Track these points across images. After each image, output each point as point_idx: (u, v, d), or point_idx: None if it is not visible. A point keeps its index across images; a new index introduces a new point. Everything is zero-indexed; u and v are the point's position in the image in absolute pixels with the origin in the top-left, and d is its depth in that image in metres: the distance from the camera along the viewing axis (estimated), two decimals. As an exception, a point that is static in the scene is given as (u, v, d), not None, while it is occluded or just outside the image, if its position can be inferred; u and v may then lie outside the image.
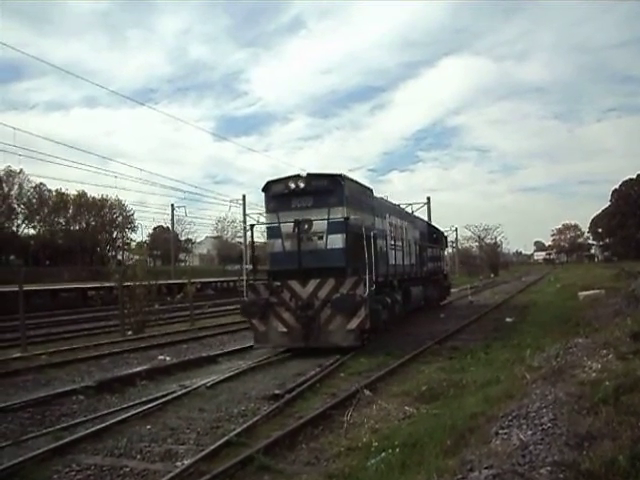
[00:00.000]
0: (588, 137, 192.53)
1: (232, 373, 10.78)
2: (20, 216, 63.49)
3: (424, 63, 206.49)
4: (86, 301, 30.88)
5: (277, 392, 8.83)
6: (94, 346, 15.09)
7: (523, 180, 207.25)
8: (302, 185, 13.05)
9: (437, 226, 30.67)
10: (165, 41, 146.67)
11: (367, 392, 8.67)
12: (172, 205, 54.37)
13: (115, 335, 17.88)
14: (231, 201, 43.25)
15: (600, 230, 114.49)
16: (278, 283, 13.01)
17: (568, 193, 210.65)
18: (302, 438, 6.73)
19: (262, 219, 14.28)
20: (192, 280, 24.47)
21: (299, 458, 6.14)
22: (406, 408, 7.73)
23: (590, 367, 6.96)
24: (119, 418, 7.67)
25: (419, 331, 16.40)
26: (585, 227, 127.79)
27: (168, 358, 12.85)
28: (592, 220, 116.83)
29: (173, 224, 59.66)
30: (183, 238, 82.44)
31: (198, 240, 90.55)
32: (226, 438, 6.51)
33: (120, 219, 73.57)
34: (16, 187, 61.98)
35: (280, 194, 13.37)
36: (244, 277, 14.12)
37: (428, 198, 41.22)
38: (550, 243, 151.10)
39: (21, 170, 58.22)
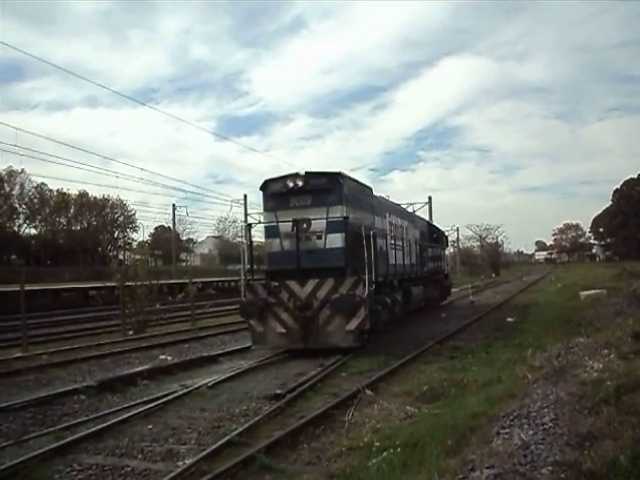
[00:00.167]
0: (589, 137, 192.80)
1: (233, 373, 10.78)
2: (21, 216, 63.53)
3: (425, 63, 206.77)
4: (87, 301, 31.00)
5: (278, 392, 8.82)
6: (95, 346, 15.11)
7: (524, 180, 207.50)
8: (300, 184, 12.89)
9: (438, 226, 30.67)
10: (166, 41, 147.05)
11: (368, 392, 8.67)
12: (173, 205, 54.39)
13: (116, 335, 17.89)
14: (232, 201, 43.28)
15: (601, 230, 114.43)
16: (276, 283, 12.83)
17: (569, 193, 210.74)
18: (303, 438, 6.73)
19: (262, 219, 14.12)
20: (193, 280, 24.49)
21: (300, 458, 6.14)
22: (407, 408, 7.73)
23: (591, 367, 6.95)
24: (120, 418, 7.67)
25: (420, 331, 16.38)
26: (586, 227, 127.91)
27: (169, 358, 12.85)
28: (593, 220, 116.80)
29: (174, 224, 59.68)
30: (184, 238, 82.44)
31: (199, 240, 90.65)
32: (227, 438, 6.51)
33: (121, 219, 73.53)
34: (17, 187, 62.00)
35: (278, 193, 13.21)
36: (242, 277, 13.95)
37: (429, 198, 41.22)
38: (551, 243, 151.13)
39: (22, 170, 58.34)
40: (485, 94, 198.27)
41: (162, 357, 13.00)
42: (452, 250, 68.52)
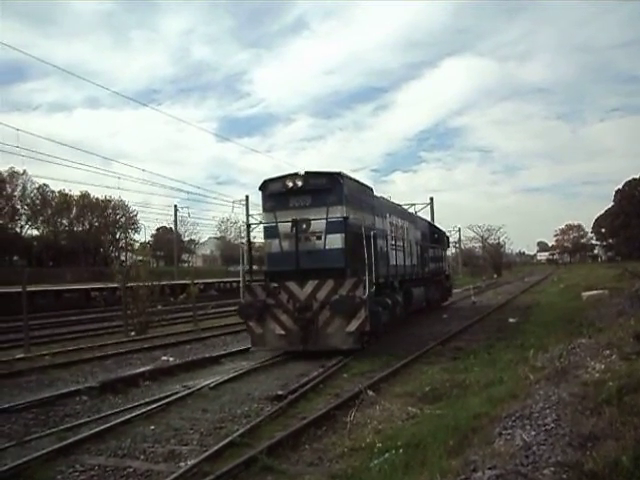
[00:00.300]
0: (591, 137, 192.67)
1: (235, 374, 10.78)
2: (23, 217, 63.62)
3: (427, 64, 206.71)
4: (89, 302, 30.99)
5: (280, 393, 8.81)
6: (97, 347, 15.13)
7: (526, 181, 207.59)
8: (300, 183, 12.74)
9: (439, 226, 30.61)
10: (168, 42, 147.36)
11: (370, 393, 8.66)
12: (175, 206, 54.39)
13: (118, 336, 17.90)
14: (234, 202, 43.26)
15: (603, 230, 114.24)
16: (275, 284, 12.68)
17: (571, 193, 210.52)
18: (305, 439, 6.73)
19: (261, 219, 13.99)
20: (195, 281, 24.50)
21: (302, 459, 6.14)
22: (409, 408, 7.73)
23: (593, 368, 6.95)
24: (123, 419, 7.68)
25: (422, 332, 16.38)
26: (588, 227, 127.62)
27: (171, 359, 12.86)
28: (595, 220, 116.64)
29: (176, 225, 59.61)
30: (186, 239, 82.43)
31: (201, 241, 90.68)
32: (229, 439, 6.51)
33: (123, 220, 73.59)
34: (19, 188, 62.07)
35: (277, 193, 13.08)
36: (241, 278, 13.79)
37: (431, 198, 41.10)
38: (553, 243, 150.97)
39: (24, 171, 58.35)
40: (487, 95, 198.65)
41: (164, 358, 13.01)
42: (454, 251, 68.66)
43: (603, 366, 6.92)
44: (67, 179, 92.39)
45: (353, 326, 12.05)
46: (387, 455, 5.60)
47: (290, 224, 12.73)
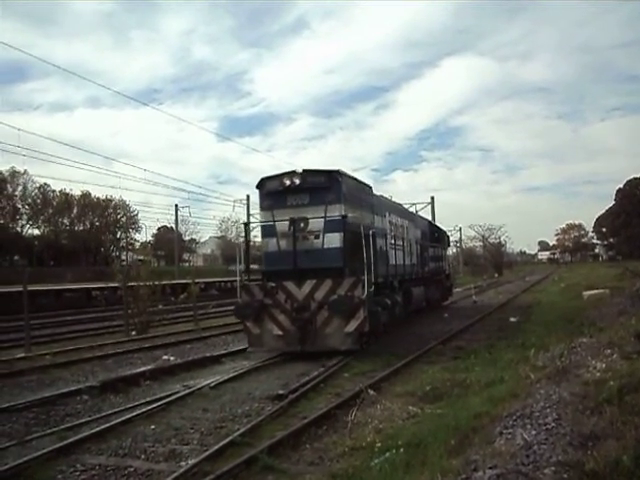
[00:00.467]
0: (592, 137, 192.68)
1: (236, 373, 10.78)
2: (24, 216, 63.66)
3: (427, 63, 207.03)
4: (90, 301, 30.99)
5: (281, 392, 8.81)
6: (98, 346, 15.12)
7: (527, 180, 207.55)
8: (298, 182, 12.56)
9: (439, 225, 30.57)
10: (169, 42, 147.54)
11: (371, 392, 8.66)
12: (176, 205, 54.38)
13: (119, 335, 17.90)
14: (235, 201, 43.34)
15: (604, 229, 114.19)
16: (273, 284, 12.50)
17: (572, 193, 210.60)
18: (306, 438, 6.73)
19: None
20: (196, 280, 24.49)
21: (303, 458, 6.14)
22: (410, 408, 7.72)
23: (594, 367, 6.95)
24: (123, 418, 7.68)
25: (423, 331, 16.38)
26: (589, 227, 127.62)
27: (172, 358, 12.85)
28: (596, 220, 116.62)
29: (177, 224, 59.64)
30: (187, 238, 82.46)
31: (202, 240, 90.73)
32: (230, 438, 6.52)
33: (124, 219, 73.62)
34: (20, 187, 62.16)
35: (275, 191, 12.90)
36: (238, 278, 13.59)
37: (432, 198, 41.19)
38: (554, 243, 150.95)
39: (25, 170, 58.40)
40: (487, 94, 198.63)
41: (165, 357, 13.00)
42: (455, 250, 68.62)
43: (604, 365, 6.91)
44: (68, 179, 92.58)
45: (352, 326, 11.89)
46: (388, 454, 5.60)
47: (288, 223, 12.57)
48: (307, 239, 12.55)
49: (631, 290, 19.47)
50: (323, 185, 12.58)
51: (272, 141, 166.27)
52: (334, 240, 12.31)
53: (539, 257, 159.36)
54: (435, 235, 25.76)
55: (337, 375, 10.44)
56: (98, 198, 68.62)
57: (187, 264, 78.35)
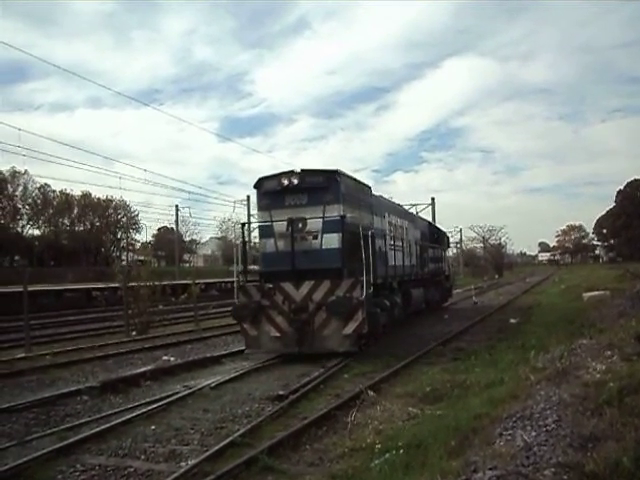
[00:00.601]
0: (593, 138, 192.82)
1: (236, 374, 10.79)
2: (25, 217, 63.69)
3: (428, 64, 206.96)
4: (90, 301, 30.98)
5: (281, 393, 8.81)
6: (98, 346, 15.12)
7: (527, 181, 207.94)
8: (296, 181, 12.41)
9: (439, 226, 30.54)
10: (170, 42, 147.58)
11: (371, 393, 8.66)
12: (176, 206, 54.42)
13: (119, 335, 17.90)
14: (235, 202, 43.34)
15: (605, 231, 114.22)
16: (270, 285, 12.36)
17: (573, 194, 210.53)
18: (306, 439, 6.74)
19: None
20: (196, 281, 24.49)
21: (303, 459, 6.15)
22: (410, 409, 7.73)
23: (594, 368, 6.94)
24: (123, 418, 7.68)
25: (423, 332, 16.38)
26: (590, 228, 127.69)
27: (172, 359, 12.86)
28: (597, 221, 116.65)
29: (177, 225, 59.68)
30: (187, 239, 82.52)
31: (202, 241, 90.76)
32: (230, 439, 6.52)
33: (124, 220, 73.67)
34: (21, 188, 62.17)
35: (273, 191, 12.75)
36: (235, 278, 13.41)
37: (432, 199, 41.13)
38: (554, 244, 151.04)
39: (26, 171, 58.35)
40: (488, 95, 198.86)
41: (165, 358, 13.01)
42: (455, 251, 68.63)
43: (604, 367, 6.91)
44: (69, 179, 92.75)
45: (350, 328, 11.75)
46: (388, 455, 5.61)
47: (286, 223, 12.42)
48: (305, 239, 12.42)
49: (631, 292, 19.44)
50: (321, 185, 12.46)
51: (273, 142, 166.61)
52: (332, 241, 12.21)
53: (539, 258, 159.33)
54: (435, 236, 25.64)
55: (337, 376, 10.44)
56: (98, 198, 68.71)
57: (187, 265, 78.35)
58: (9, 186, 61.04)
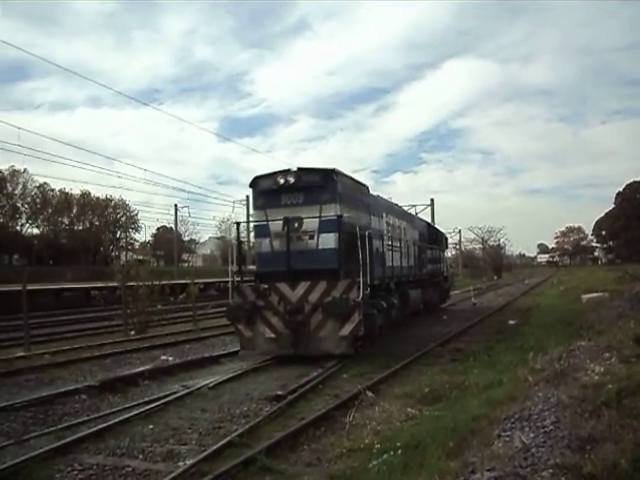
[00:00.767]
0: (593, 140, 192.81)
1: (234, 374, 10.78)
2: (24, 215, 63.71)
3: (429, 65, 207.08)
4: (89, 301, 30.98)
5: (279, 393, 8.80)
6: (97, 346, 15.11)
7: (527, 182, 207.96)
8: (292, 180, 12.22)
9: (437, 227, 30.51)
10: (170, 42, 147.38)
11: (369, 394, 8.66)
12: (176, 205, 54.27)
13: (118, 335, 17.89)
14: (234, 202, 43.30)
15: (604, 233, 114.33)
16: (266, 285, 12.17)
17: (572, 196, 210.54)
18: (304, 439, 6.73)
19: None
20: (195, 280, 24.48)
21: (301, 459, 6.14)
22: (408, 410, 7.73)
23: (593, 370, 6.95)
24: (121, 418, 7.67)
25: (422, 333, 16.38)
26: (589, 230, 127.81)
27: (171, 358, 12.85)
28: (596, 223, 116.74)
29: (177, 224, 59.60)
30: (186, 238, 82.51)
31: (201, 240, 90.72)
32: (228, 439, 6.52)
33: (124, 219, 73.69)
34: (20, 186, 62.22)
35: (268, 190, 12.57)
36: (230, 279, 13.18)
37: (432, 200, 41.19)
38: (554, 245, 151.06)
39: (25, 169, 58.44)
40: (488, 96, 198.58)
41: (163, 357, 12.99)
42: (454, 252, 68.64)
43: (602, 369, 6.91)
44: (69, 178, 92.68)
45: (346, 330, 11.57)
46: (386, 456, 5.61)
47: (281, 222, 12.24)
48: (301, 239, 12.23)
49: (630, 293, 19.46)
50: (318, 184, 12.26)
51: (272, 142, 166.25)
52: (329, 241, 12.02)
53: (538, 260, 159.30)
54: (433, 237, 25.51)
55: (336, 376, 10.44)
56: (98, 198, 68.76)
57: (186, 264, 78.35)
58: (8, 185, 61.10)
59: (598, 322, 14.40)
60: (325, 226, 12.04)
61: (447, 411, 7.24)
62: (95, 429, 7.14)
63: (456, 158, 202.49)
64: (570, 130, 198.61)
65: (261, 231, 12.74)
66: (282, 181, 12.31)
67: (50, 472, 5.86)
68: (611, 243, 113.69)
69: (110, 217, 72.31)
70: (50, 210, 65.16)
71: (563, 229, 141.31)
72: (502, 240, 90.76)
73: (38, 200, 63.86)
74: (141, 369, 11.16)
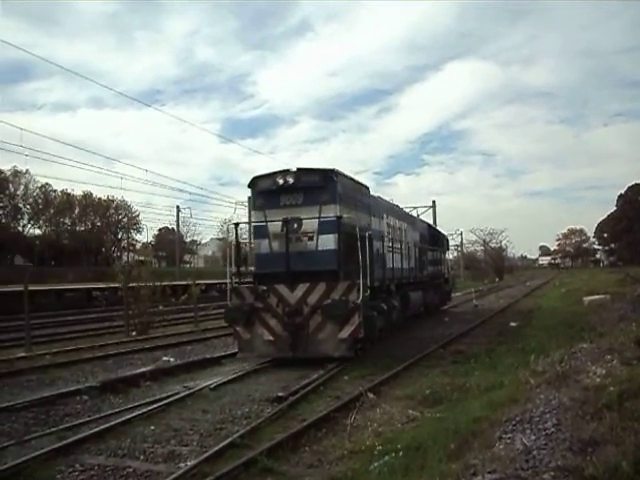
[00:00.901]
0: (594, 142, 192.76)
1: (236, 375, 10.79)
2: (26, 216, 63.77)
3: (430, 67, 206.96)
4: (91, 301, 30.99)
5: (281, 394, 8.80)
6: (98, 346, 15.12)
7: (529, 184, 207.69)
8: (291, 181, 12.06)
9: (439, 228, 30.49)
10: (172, 43, 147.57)
11: (371, 395, 8.66)
12: (177, 206, 54.34)
13: (119, 336, 17.91)
14: (236, 203, 43.39)
15: (606, 235, 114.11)
16: (264, 287, 12.03)
17: (574, 198, 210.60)
18: (305, 441, 6.73)
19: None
20: (197, 281, 24.50)
21: (302, 461, 6.14)
22: (410, 412, 7.72)
23: (594, 372, 6.94)
24: (123, 419, 7.68)
25: (423, 335, 16.36)
26: (591, 232, 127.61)
27: (172, 359, 12.86)
28: (598, 225, 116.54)
29: (178, 225, 59.68)
30: (188, 239, 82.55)
31: (203, 242, 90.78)
32: (229, 440, 6.51)
33: (125, 220, 73.76)
34: (22, 187, 62.27)
35: (267, 190, 12.42)
36: (228, 280, 12.97)
37: (433, 202, 41.09)
38: (555, 248, 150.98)
39: (27, 170, 58.44)
40: (490, 98, 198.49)
41: (165, 358, 13.01)
42: (456, 254, 68.56)
43: (604, 371, 6.91)
44: (70, 179, 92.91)
45: (346, 332, 11.43)
46: (387, 458, 5.60)
47: (280, 223, 12.08)
48: (300, 240, 12.08)
49: (632, 296, 19.48)
50: (318, 184, 12.12)
51: (274, 143, 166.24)
52: (328, 242, 11.88)
53: (540, 262, 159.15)
54: (434, 238, 25.45)
55: (337, 378, 10.43)
56: (100, 198, 68.80)
57: (188, 265, 78.40)
58: (10, 185, 61.13)
59: (600, 324, 14.40)
60: (325, 227, 11.90)
61: (448, 413, 7.23)
62: (96, 430, 7.14)
63: (458, 160, 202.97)
64: (571, 132, 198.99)
65: (260, 232, 12.59)
66: (281, 181, 12.17)
67: (51, 472, 5.86)
68: (613, 245, 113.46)
69: (112, 218, 72.38)
70: (52, 211, 65.20)
71: (565, 231, 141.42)
72: (504, 242, 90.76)
73: (40, 201, 63.89)
74: (142, 370, 11.17)
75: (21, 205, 62.82)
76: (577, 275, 69.75)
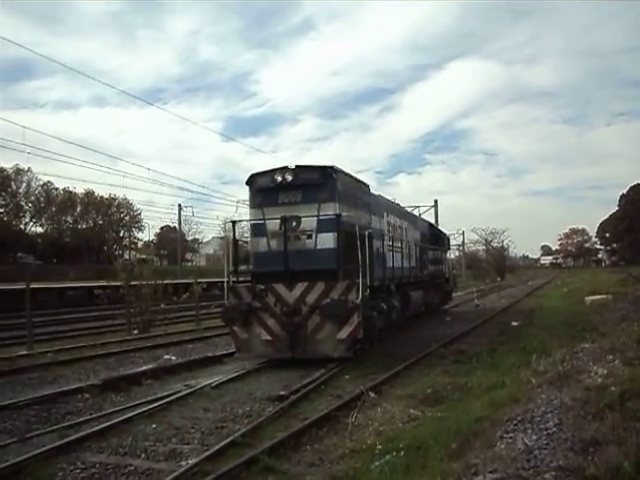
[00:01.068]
0: (596, 141, 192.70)
1: (237, 373, 10.79)
2: (28, 214, 63.84)
3: (433, 66, 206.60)
4: (92, 300, 31.00)
5: (282, 393, 8.81)
6: (100, 345, 15.14)
7: (531, 184, 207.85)
8: (290, 178, 11.82)
9: (440, 227, 30.43)
10: (175, 41, 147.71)
11: (372, 394, 8.65)
12: (179, 205, 54.40)
13: (121, 334, 17.93)
14: (238, 202, 43.23)
15: (607, 235, 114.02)
16: (262, 286, 11.83)
17: (576, 197, 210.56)
18: (306, 439, 6.73)
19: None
20: (198, 280, 24.50)
21: (303, 459, 6.14)
22: (411, 411, 7.72)
23: (596, 372, 6.94)
24: (124, 417, 7.69)
25: (424, 334, 16.35)
26: (592, 232, 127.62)
27: (174, 358, 12.87)
28: (600, 225, 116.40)
29: (180, 224, 59.75)
30: (190, 238, 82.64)
31: (205, 240, 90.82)
32: (231, 438, 6.52)
33: (127, 218, 73.84)
34: (24, 185, 62.36)
35: (266, 188, 12.19)
36: (225, 279, 12.69)
37: (435, 201, 41.13)
38: (557, 247, 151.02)
39: (29, 168, 58.48)
40: (492, 97, 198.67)
41: (166, 357, 13.02)
42: (458, 254, 68.56)
43: (606, 371, 6.91)
44: (72, 177, 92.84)
45: (345, 332, 11.27)
46: (388, 457, 5.61)
47: (279, 221, 11.87)
48: (299, 239, 11.88)
49: (634, 296, 19.47)
50: (317, 182, 11.88)
51: (277, 142, 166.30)
52: (327, 240, 11.66)
53: (542, 262, 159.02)
54: (435, 237, 25.27)
55: (338, 377, 10.43)
56: (102, 197, 68.91)
57: (190, 264, 78.45)
58: (12, 183, 61.22)
59: (601, 324, 14.39)
60: (324, 225, 11.70)
61: (449, 412, 7.23)
62: (98, 428, 7.16)
63: (460, 159, 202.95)
64: (574, 132, 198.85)
65: (258, 230, 12.38)
66: (279, 179, 11.96)
67: (53, 470, 5.87)
68: (615, 245, 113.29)
69: (114, 216, 72.48)
70: (54, 209, 65.30)
71: (567, 231, 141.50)
72: (505, 241, 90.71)
73: (42, 199, 64.01)
74: (144, 368, 11.17)
75: (23, 203, 62.92)
76: (579, 275, 69.69)
